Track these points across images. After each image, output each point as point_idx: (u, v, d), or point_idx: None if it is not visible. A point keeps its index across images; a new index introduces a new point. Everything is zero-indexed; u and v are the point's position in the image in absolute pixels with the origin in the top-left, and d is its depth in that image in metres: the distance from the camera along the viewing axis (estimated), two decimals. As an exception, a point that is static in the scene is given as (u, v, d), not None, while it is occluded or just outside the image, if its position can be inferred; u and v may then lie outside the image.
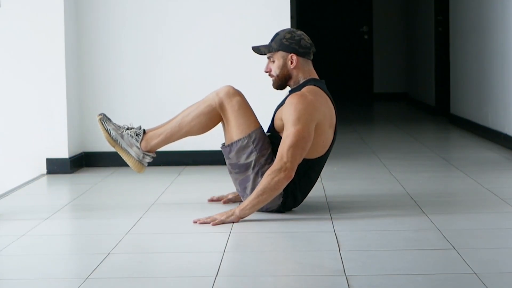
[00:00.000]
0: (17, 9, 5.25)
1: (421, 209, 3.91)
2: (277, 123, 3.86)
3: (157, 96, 5.61)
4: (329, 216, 3.80)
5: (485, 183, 4.59)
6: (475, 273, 2.81)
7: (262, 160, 3.81)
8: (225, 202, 4.14)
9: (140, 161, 3.99)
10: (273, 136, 3.88)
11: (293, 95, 3.78)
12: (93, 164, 5.53)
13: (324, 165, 3.92)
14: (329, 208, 3.97)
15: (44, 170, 5.28)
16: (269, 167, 3.77)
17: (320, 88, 3.84)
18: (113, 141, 3.98)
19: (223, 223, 3.66)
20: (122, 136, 3.98)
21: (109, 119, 4.02)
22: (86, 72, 5.57)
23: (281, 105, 3.87)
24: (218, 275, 2.87)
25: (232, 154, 3.86)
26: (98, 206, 4.23)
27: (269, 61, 3.94)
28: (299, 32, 3.91)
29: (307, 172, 3.83)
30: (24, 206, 4.28)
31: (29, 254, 3.27)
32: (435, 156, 5.85)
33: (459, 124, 7.78)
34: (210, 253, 3.21)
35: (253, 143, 3.83)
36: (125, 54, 5.59)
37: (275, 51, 3.89)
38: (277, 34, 3.92)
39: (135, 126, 4.06)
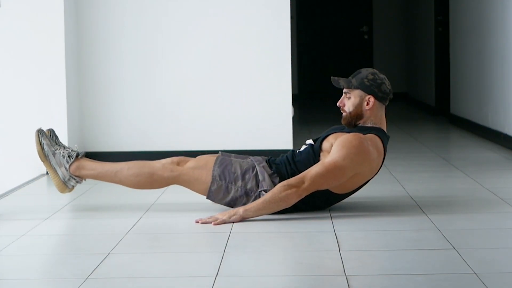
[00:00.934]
0: (17, 9, 5.25)
1: (421, 209, 3.91)
2: (325, 145, 3.83)
3: (157, 96, 5.61)
4: (329, 216, 3.79)
5: (485, 183, 4.59)
6: (475, 273, 2.81)
7: (239, 183, 3.85)
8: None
9: (64, 182, 4.00)
10: (312, 145, 3.86)
11: (356, 134, 3.76)
12: (93, 164, 5.53)
13: (337, 202, 3.93)
14: (329, 208, 3.96)
15: (44, 170, 5.27)
16: (250, 177, 3.80)
17: (382, 143, 3.83)
18: (44, 156, 4.00)
19: (224, 222, 3.66)
20: (54, 154, 3.99)
21: (47, 136, 4.02)
22: (86, 72, 5.57)
23: (341, 131, 3.86)
24: (218, 275, 2.86)
25: (218, 200, 3.91)
26: (98, 206, 4.23)
27: (345, 96, 3.91)
28: (382, 75, 3.89)
29: (321, 199, 3.84)
30: (24, 206, 4.28)
31: (29, 254, 3.27)
32: (435, 156, 5.84)
33: (459, 124, 7.78)
34: (210, 253, 3.21)
35: (220, 179, 3.85)
36: (125, 54, 5.59)
37: (354, 88, 3.87)
38: (359, 72, 3.90)
39: (79, 150, 4.06)
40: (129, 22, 5.59)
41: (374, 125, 3.88)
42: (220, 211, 3.84)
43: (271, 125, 5.59)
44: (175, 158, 3.96)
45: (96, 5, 5.56)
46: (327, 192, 3.79)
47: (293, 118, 5.67)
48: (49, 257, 3.24)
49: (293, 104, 5.71)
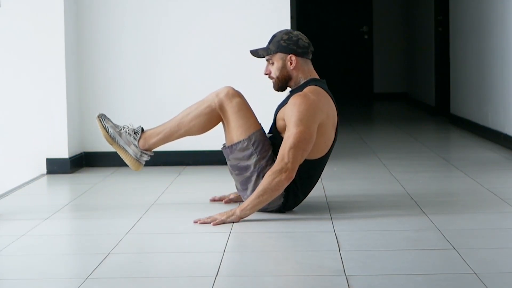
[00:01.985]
0: (17, 9, 5.25)
1: (421, 209, 3.91)
2: (279, 124, 3.85)
3: (157, 96, 5.61)
4: (329, 216, 3.80)
5: (485, 183, 4.59)
6: (475, 273, 2.81)
7: (263, 162, 3.81)
8: (226, 202, 4.14)
9: (137, 160, 3.99)
10: (274, 137, 3.87)
11: (295, 95, 3.77)
12: (93, 164, 5.54)
13: (325, 164, 3.92)
14: (329, 208, 3.97)
15: (44, 170, 5.28)
16: (270, 168, 3.77)
17: (322, 88, 3.83)
18: (111, 138, 3.98)
19: (223, 223, 3.66)
20: (120, 134, 3.98)
21: (108, 118, 4.03)
22: (86, 72, 5.57)
23: (283, 105, 3.86)
24: (218, 275, 2.87)
25: (233, 156, 3.86)
26: (98, 206, 4.23)
27: (268, 64, 3.93)
28: (296, 32, 3.91)
29: (308, 173, 3.83)
30: (24, 206, 4.28)
31: (29, 254, 3.27)
32: (435, 156, 5.85)
33: (459, 124, 7.78)
34: (210, 253, 3.21)
35: (253, 145, 3.82)
36: (125, 54, 5.59)
37: (273, 53, 3.89)
38: (274, 36, 3.92)
39: (135, 126, 4.06)
40: (129, 22, 5.59)
41: (305, 80, 3.89)
42: (219, 211, 3.84)
43: (271, 125, 5.59)
44: (230, 90, 3.91)
45: (96, 5, 5.56)
46: (307, 163, 3.78)
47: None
48: (49, 257, 3.24)
49: (293, 104, 5.71)
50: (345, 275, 2.82)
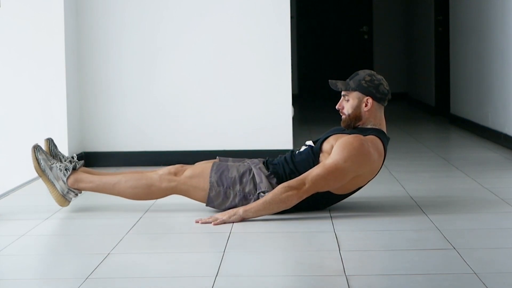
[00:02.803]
0: (17, 9, 5.25)
1: (421, 209, 3.91)
2: (325, 146, 3.83)
3: (157, 96, 5.61)
4: (329, 216, 3.79)
5: (485, 183, 4.59)
6: (475, 273, 2.81)
7: (237, 187, 3.83)
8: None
9: (63, 195, 4.00)
10: (312, 148, 3.85)
11: (357, 136, 3.76)
12: (93, 164, 5.53)
13: (340, 201, 3.92)
14: (329, 208, 3.96)
15: (44, 170, 5.27)
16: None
17: (383, 143, 3.83)
18: (41, 171, 3.99)
19: (224, 222, 3.66)
20: (51, 168, 3.99)
21: (48, 149, 4.01)
22: (86, 72, 5.57)
23: (342, 132, 3.86)
24: (218, 275, 2.87)
25: (218, 206, 3.89)
26: (98, 206, 4.22)
27: (343, 99, 3.91)
28: (379, 76, 3.89)
29: (322, 201, 3.84)
30: (24, 206, 4.28)
31: (29, 254, 3.27)
32: (435, 156, 5.84)
33: (459, 124, 7.78)
34: (210, 253, 3.21)
35: (218, 185, 3.83)
36: (125, 54, 5.59)
37: (352, 90, 3.87)
38: (356, 74, 3.90)
39: (78, 160, 4.05)
40: (129, 22, 5.59)
41: (374, 126, 3.88)
42: (220, 211, 3.84)
43: (271, 125, 5.59)
44: (172, 168, 3.94)
45: (96, 5, 5.56)
46: (327, 193, 3.79)
47: (293, 118, 5.67)
48: (49, 257, 3.24)
49: (293, 104, 5.71)
50: (345, 275, 2.82)
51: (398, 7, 12.02)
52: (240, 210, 3.70)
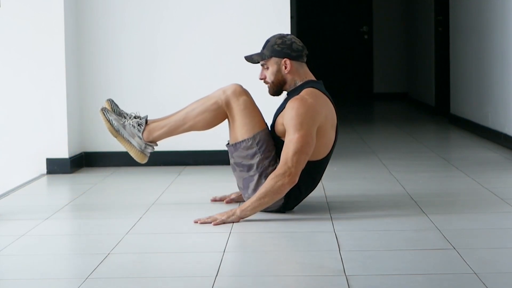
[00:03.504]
0: (17, 8, 5.25)
1: (421, 209, 3.91)
2: (278, 128, 3.84)
3: (157, 96, 5.61)
4: (329, 216, 3.80)
5: (485, 183, 4.59)
6: (475, 273, 2.81)
7: (266, 162, 3.81)
8: (227, 202, 4.14)
9: (142, 151, 4.00)
10: (275, 140, 3.87)
11: (293, 99, 3.77)
12: (93, 164, 5.54)
13: (327, 165, 3.92)
14: (329, 208, 3.97)
15: (44, 170, 5.28)
16: (273, 169, 3.78)
17: (319, 90, 3.83)
18: (115, 131, 3.99)
19: (223, 223, 3.66)
20: (124, 127, 3.99)
21: (113, 109, 4.01)
22: (86, 72, 5.57)
23: (281, 110, 3.86)
24: (218, 275, 2.87)
25: (236, 154, 3.86)
26: (98, 206, 4.23)
27: (263, 68, 3.93)
28: (289, 36, 3.90)
29: (310, 175, 3.83)
30: (24, 206, 4.28)
31: (29, 254, 3.28)
32: (435, 156, 5.85)
33: (459, 124, 7.78)
34: (210, 253, 3.21)
35: (257, 145, 3.82)
36: (125, 54, 5.59)
37: (268, 58, 3.88)
38: (268, 41, 3.91)
39: (142, 115, 4.06)
40: (129, 22, 5.59)
41: (301, 82, 3.88)
42: (220, 210, 3.84)
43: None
44: (235, 86, 3.90)
45: (96, 5, 5.56)
46: (309, 164, 3.78)
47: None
48: (49, 257, 3.24)
49: (293, 104, 5.71)
50: (345, 275, 2.82)
51: (398, 7, 12.03)
52: (237, 211, 3.70)
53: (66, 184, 4.99)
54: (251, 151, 3.82)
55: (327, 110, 3.80)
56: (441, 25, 9.15)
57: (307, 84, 3.86)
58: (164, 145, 5.60)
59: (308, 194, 3.90)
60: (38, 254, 3.27)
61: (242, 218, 3.70)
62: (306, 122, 3.69)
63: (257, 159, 3.81)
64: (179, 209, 4.06)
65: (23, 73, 5.29)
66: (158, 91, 5.61)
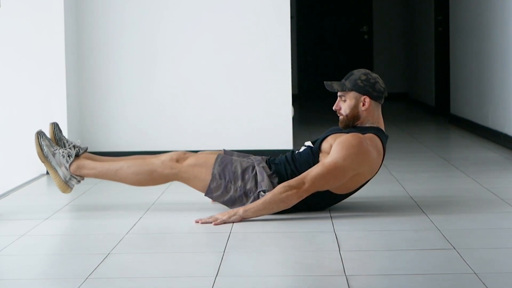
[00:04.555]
0: (17, 8, 5.25)
1: (421, 209, 3.91)
2: (324, 146, 3.83)
3: (157, 96, 5.61)
4: (329, 216, 3.79)
5: (485, 183, 4.59)
6: (475, 273, 2.81)
7: (239, 183, 3.84)
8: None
9: (66, 182, 4.01)
10: (310, 148, 3.85)
11: (355, 134, 3.76)
12: (93, 164, 5.52)
13: (341, 200, 3.92)
14: (329, 208, 3.96)
15: (44, 170, 5.27)
16: (249, 177, 3.80)
17: (382, 142, 3.83)
18: (44, 157, 4.02)
19: (224, 223, 3.66)
20: (54, 154, 4.00)
21: (53, 133, 4.03)
22: (86, 72, 5.57)
23: (340, 132, 3.85)
24: (218, 275, 2.87)
25: (216, 198, 3.92)
26: (98, 206, 4.23)
27: (340, 99, 3.90)
28: (374, 75, 3.89)
29: (325, 201, 3.84)
30: (24, 206, 4.28)
31: (29, 254, 3.27)
32: (435, 156, 5.84)
33: (459, 124, 7.78)
34: (210, 253, 3.21)
35: (220, 178, 3.84)
36: (125, 54, 5.59)
37: (348, 90, 3.86)
38: (351, 74, 3.89)
39: (82, 146, 4.06)
40: (129, 22, 5.59)
41: (372, 125, 3.88)
42: (220, 210, 3.84)
43: (271, 125, 5.59)
44: (174, 155, 3.94)
45: (96, 5, 5.56)
46: (327, 193, 3.79)
47: (293, 118, 5.67)
48: (49, 257, 3.24)
49: (293, 104, 5.72)
50: (345, 275, 2.82)
51: (398, 7, 12.03)
52: (240, 210, 3.70)
53: (66, 184, 4.98)
54: (222, 187, 3.86)
55: (374, 164, 3.80)
56: (441, 25, 9.15)
57: (375, 130, 3.85)
58: (164, 145, 5.60)
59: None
60: (38, 254, 3.27)
61: (244, 218, 3.70)
62: (350, 159, 3.69)
63: (232, 188, 3.85)
64: (179, 209, 4.06)
65: (23, 73, 5.29)
66: (158, 91, 5.61)
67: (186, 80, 5.61)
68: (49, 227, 3.74)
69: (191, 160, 3.92)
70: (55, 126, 4.06)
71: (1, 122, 5.33)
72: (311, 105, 11.24)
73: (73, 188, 4.05)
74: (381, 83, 3.88)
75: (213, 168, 3.87)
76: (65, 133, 5.30)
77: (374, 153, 3.77)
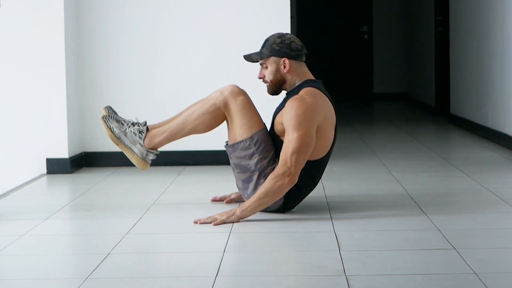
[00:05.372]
0: (17, 8, 5.25)
1: (421, 209, 3.91)
2: (277, 128, 3.85)
3: (157, 96, 5.61)
4: (329, 216, 3.80)
5: (485, 183, 4.59)
6: (475, 273, 2.81)
7: (264, 162, 3.81)
8: (227, 202, 4.14)
9: (143, 159, 4.00)
10: (274, 140, 3.87)
11: (292, 99, 3.77)
12: (93, 164, 5.54)
13: (326, 164, 3.92)
14: (329, 208, 3.97)
15: (44, 170, 5.28)
16: (272, 169, 3.78)
17: (318, 89, 3.83)
18: (117, 139, 3.99)
19: (223, 223, 3.66)
20: (125, 134, 3.99)
21: (112, 117, 4.02)
22: (86, 72, 5.57)
23: (280, 109, 3.86)
24: (218, 275, 2.87)
25: (235, 154, 3.87)
26: (98, 206, 4.23)
27: (262, 68, 3.93)
28: (288, 35, 3.90)
29: (310, 174, 3.83)
30: (24, 206, 4.28)
31: (29, 254, 3.28)
32: (435, 156, 5.85)
33: (459, 124, 7.78)
34: (210, 253, 3.21)
35: (255, 145, 3.82)
36: (125, 54, 5.59)
37: (266, 57, 3.89)
38: (267, 40, 3.92)
39: (140, 121, 4.07)
40: (129, 22, 5.59)
41: (301, 81, 3.89)
42: (220, 210, 3.84)
43: (271, 125, 5.58)
44: (235, 87, 3.91)
45: (95, 4, 5.56)
46: (309, 164, 3.78)
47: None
48: (49, 257, 3.24)
49: (293, 104, 5.71)
50: (345, 275, 2.82)
51: (398, 7, 12.03)
52: (237, 211, 3.70)
53: (66, 184, 4.99)
54: (249, 152, 3.83)
55: (326, 109, 3.80)
56: (441, 25, 9.15)
57: (306, 83, 3.86)
58: (164, 146, 5.60)
59: (308, 194, 3.90)
60: (38, 254, 3.27)
61: (242, 218, 3.70)
62: (305, 121, 3.69)
63: (255, 159, 3.81)
64: (179, 209, 4.06)
65: (23, 73, 5.29)
66: (158, 91, 5.61)
67: (186, 80, 5.61)
68: (49, 227, 3.74)
69: (247, 99, 3.89)
70: (109, 109, 4.04)
71: (1, 122, 5.33)
72: (311, 105, 11.22)
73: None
74: (297, 42, 3.89)
75: (257, 133, 3.83)
76: (65, 133, 5.30)
77: (317, 100, 3.76)
